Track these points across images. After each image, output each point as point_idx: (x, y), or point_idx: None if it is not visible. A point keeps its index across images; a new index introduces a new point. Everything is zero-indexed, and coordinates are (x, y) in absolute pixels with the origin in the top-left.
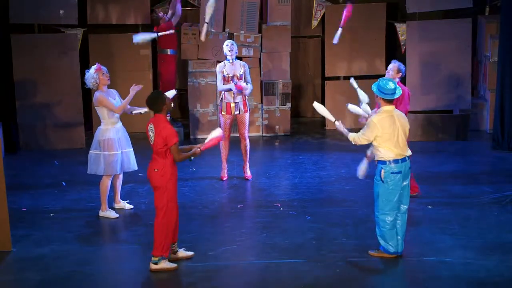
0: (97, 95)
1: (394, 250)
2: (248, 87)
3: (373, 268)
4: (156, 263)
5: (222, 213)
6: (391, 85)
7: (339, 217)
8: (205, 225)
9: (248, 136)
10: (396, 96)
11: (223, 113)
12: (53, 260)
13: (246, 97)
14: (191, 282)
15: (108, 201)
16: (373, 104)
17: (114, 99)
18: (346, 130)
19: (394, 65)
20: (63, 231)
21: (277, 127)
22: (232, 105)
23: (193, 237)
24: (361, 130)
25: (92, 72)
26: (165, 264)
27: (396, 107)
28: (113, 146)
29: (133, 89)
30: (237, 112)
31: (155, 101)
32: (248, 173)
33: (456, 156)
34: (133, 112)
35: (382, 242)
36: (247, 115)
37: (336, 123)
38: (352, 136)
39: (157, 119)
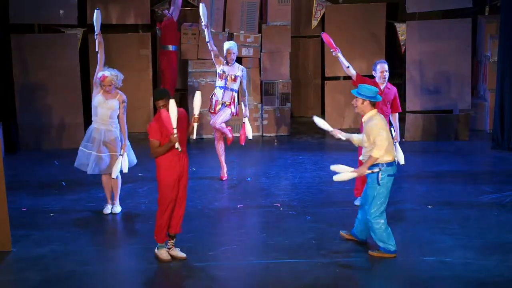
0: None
1: (395, 248)
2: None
3: (373, 268)
4: (157, 248)
5: (222, 213)
6: (372, 88)
7: (339, 217)
8: (205, 225)
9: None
10: (379, 99)
11: (211, 110)
12: (53, 260)
13: (235, 99)
14: (191, 282)
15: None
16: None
17: (106, 100)
18: (352, 136)
19: (384, 65)
20: (63, 231)
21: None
22: (219, 104)
23: (193, 237)
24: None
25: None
26: (158, 253)
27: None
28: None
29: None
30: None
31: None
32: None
33: (456, 156)
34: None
35: (381, 244)
36: (228, 110)
37: (335, 131)
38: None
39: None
